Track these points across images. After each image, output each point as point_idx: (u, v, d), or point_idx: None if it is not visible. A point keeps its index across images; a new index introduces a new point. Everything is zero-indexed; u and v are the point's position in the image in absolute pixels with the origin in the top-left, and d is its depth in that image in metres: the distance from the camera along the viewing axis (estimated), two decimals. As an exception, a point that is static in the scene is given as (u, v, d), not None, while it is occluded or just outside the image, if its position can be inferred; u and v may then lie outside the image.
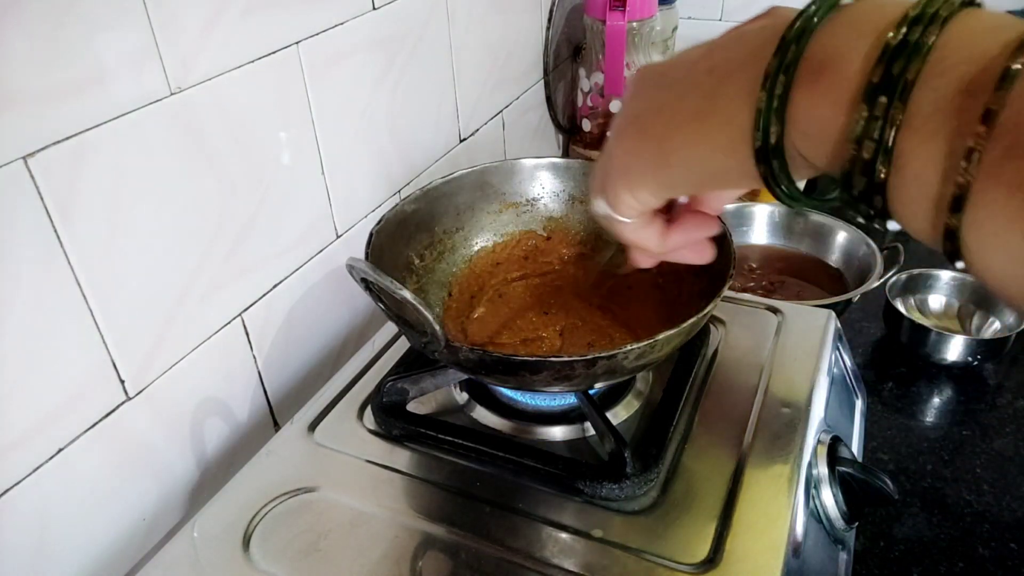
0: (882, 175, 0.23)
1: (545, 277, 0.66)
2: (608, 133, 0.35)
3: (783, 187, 0.27)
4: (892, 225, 0.25)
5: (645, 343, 0.45)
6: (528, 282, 0.66)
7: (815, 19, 0.24)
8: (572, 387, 0.51)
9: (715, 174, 0.30)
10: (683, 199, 0.39)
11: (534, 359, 0.45)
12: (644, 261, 0.41)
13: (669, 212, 0.38)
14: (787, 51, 0.24)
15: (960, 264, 0.23)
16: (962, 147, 0.20)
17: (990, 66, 0.20)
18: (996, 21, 0.22)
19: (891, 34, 0.22)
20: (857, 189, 0.24)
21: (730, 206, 1.00)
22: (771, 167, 0.26)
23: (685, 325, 0.46)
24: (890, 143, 0.22)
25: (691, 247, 0.39)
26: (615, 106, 1.07)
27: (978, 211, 0.21)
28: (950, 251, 0.22)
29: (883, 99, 0.22)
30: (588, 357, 0.44)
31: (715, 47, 0.29)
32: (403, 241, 0.60)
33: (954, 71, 0.21)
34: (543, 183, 0.67)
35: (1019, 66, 0.20)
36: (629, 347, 0.44)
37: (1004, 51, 0.20)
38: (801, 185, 0.28)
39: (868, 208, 0.24)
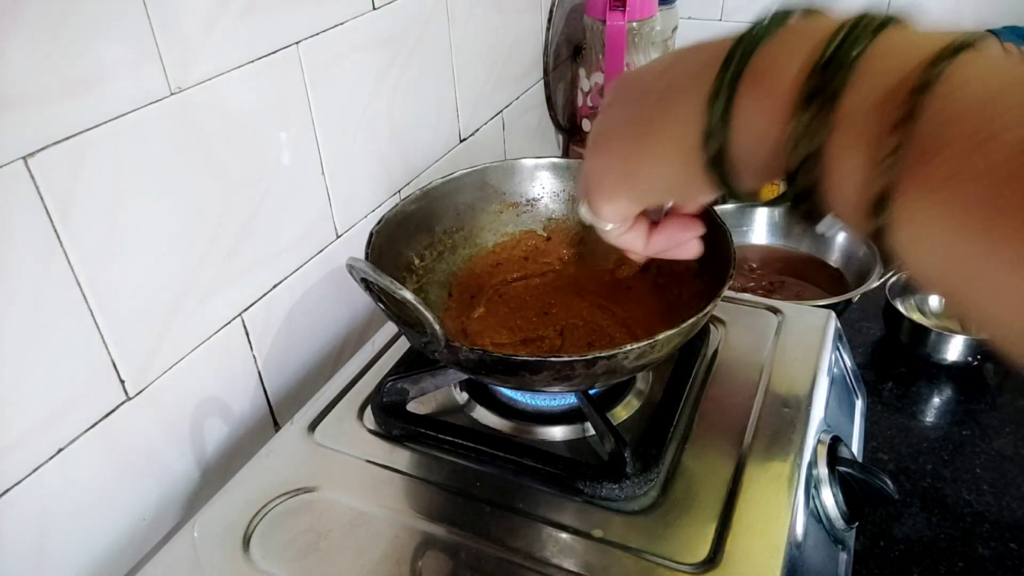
0: (814, 176, 0.25)
1: (545, 277, 0.66)
2: (587, 143, 0.37)
3: (734, 195, 0.29)
4: (826, 225, 0.27)
5: (645, 343, 0.45)
6: (528, 282, 0.66)
7: (760, 35, 0.26)
8: (572, 387, 0.51)
9: (677, 185, 0.32)
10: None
11: (534, 359, 0.45)
12: (637, 260, 0.43)
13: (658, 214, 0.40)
14: (730, 64, 0.26)
15: (895, 263, 0.24)
16: (883, 151, 0.22)
17: (908, 77, 0.22)
18: (918, 37, 0.23)
19: (823, 48, 0.24)
20: (797, 190, 0.26)
21: (730, 206, 1.00)
22: (721, 176, 0.28)
23: (685, 325, 0.46)
24: (821, 148, 0.24)
25: (678, 246, 0.41)
26: (615, 106, 1.07)
27: (902, 211, 0.22)
28: (882, 250, 0.24)
29: (814, 107, 0.24)
30: (588, 357, 0.44)
31: (676, 59, 0.31)
32: (403, 241, 0.60)
33: (876, 81, 0.23)
34: (543, 183, 0.67)
35: (930, 79, 0.21)
36: (629, 347, 0.44)
37: (921, 64, 0.22)
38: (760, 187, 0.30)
39: (808, 208, 0.26)
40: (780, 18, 0.26)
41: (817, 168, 0.24)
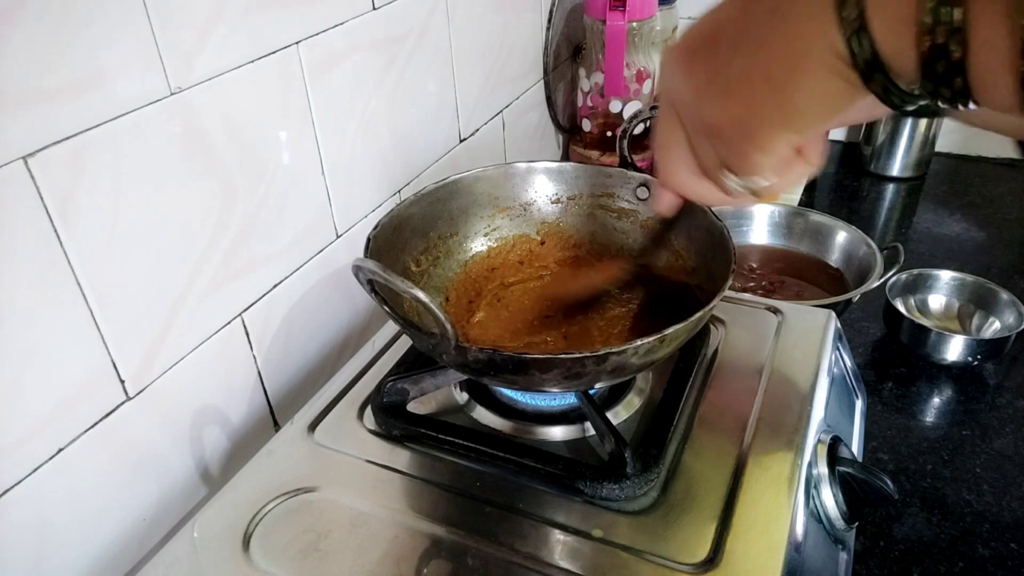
0: (956, 54, 0.25)
1: (541, 280, 0.66)
2: (660, 121, 0.34)
3: (895, 94, 0.28)
4: (971, 109, 0.27)
5: (653, 338, 0.45)
6: (525, 286, 0.66)
7: None
8: (580, 386, 0.51)
9: (839, 96, 0.29)
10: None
11: (544, 357, 0.45)
12: (673, 207, 0.43)
13: None
14: None
15: None
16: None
17: None
18: None
19: None
20: (939, 73, 0.26)
21: (729, 207, 1.00)
22: (880, 72, 0.27)
23: (691, 320, 0.46)
24: (958, 22, 0.24)
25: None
26: (615, 106, 1.07)
27: None
28: None
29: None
30: (599, 353, 0.44)
31: (749, 6, 0.30)
32: (399, 246, 0.60)
33: None
34: (536, 187, 0.67)
35: None
36: (639, 342, 0.45)
37: None
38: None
39: (950, 92, 0.26)
40: None
41: (956, 44, 0.25)
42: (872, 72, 0.27)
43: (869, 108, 0.33)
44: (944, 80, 0.26)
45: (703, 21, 0.32)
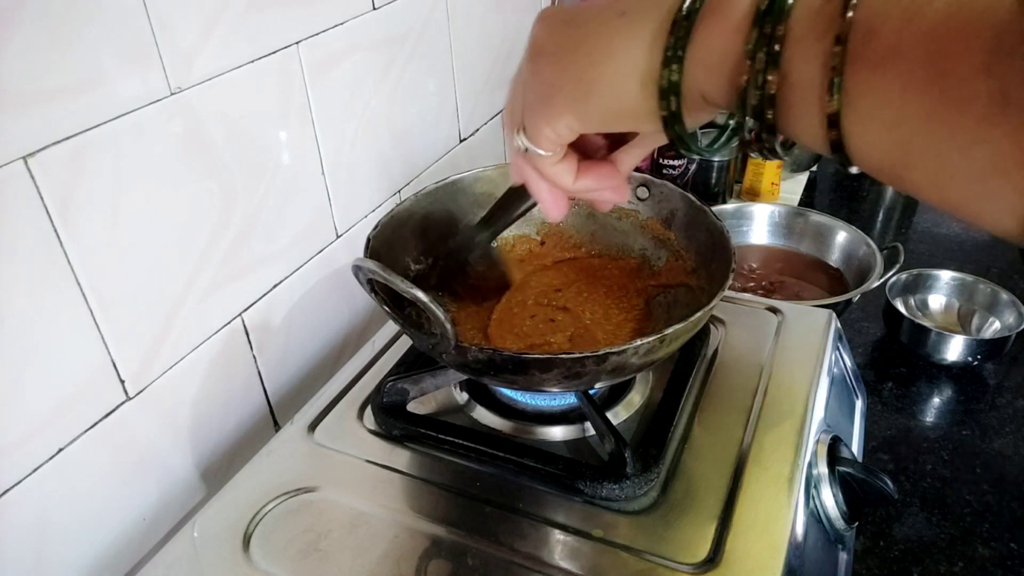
0: (772, 86, 0.27)
1: (542, 281, 0.66)
2: (519, 68, 0.36)
3: (677, 128, 0.31)
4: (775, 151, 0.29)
5: (654, 338, 0.45)
6: (525, 287, 0.66)
7: None
8: (580, 385, 0.51)
9: (626, 111, 0.32)
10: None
11: (544, 356, 0.45)
12: (556, 210, 0.42)
13: (586, 158, 0.39)
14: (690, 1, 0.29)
15: (852, 168, 0.27)
16: (831, 40, 0.25)
17: None
18: None
19: None
20: (751, 105, 0.28)
21: (730, 206, 1.00)
22: (673, 104, 0.30)
23: (691, 320, 0.46)
24: (776, 52, 0.26)
25: (604, 190, 0.40)
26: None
27: (851, 91, 0.25)
28: (835, 142, 0.26)
29: (769, 20, 0.26)
30: (599, 353, 0.44)
31: (617, 2, 0.32)
32: (399, 247, 0.60)
33: None
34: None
35: None
36: (639, 342, 0.45)
37: None
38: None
39: (761, 125, 0.28)
40: None
41: (773, 73, 0.27)
42: (667, 97, 0.30)
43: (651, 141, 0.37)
44: (756, 113, 0.28)
45: (579, 6, 0.34)
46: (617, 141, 0.41)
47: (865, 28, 0.24)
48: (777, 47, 0.26)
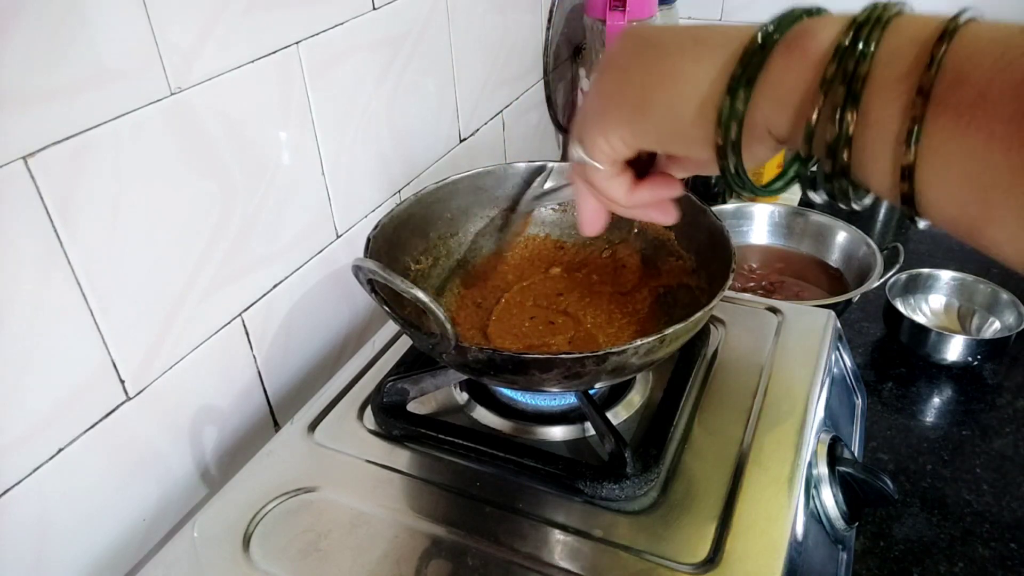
0: (850, 126, 0.26)
1: (543, 282, 0.66)
2: (589, 79, 0.36)
3: (732, 159, 0.30)
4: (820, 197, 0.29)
5: (654, 338, 0.45)
6: (526, 287, 0.66)
7: (793, 17, 0.29)
8: (580, 385, 0.51)
9: (682, 134, 0.32)
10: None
11: (544, 357, 0.45)
12: (591, 226, 0.42)
13: (641, 174, 0.39)
14: (766, 34, 0.29)
15: (921, 222, 0.26)
16: (914, 86, 0.24)
17: (935, 25, 0.25)
18: (927, 16, 0.26)
19: (857, 16, 0.27)
20: (824, 143, 0.27)
21: (730, 206, 1.00)
22: (730, 133, 0.29)
23: (691, 320, 0.46)
24: (857, 91, 0.26)
25: (656, 206, 0.40)
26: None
27: (931, 139, 0.24)
28: (906, 195, 0.25)
29: (851, 58, 0.26)
30: (599, 353, 0.44)
31: (702, 27, 0.32)
32: (399, 247, 0.60)
33: (906, 32, 0.25)
34: (536, 187, 0.67)
35: (951, 29, 0.24)
36: (639, 342, 0.45)
37: (943, 20, 0.25)
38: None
39: (833, 166, 0.27)
40: (803, 12, 0.29)
41: (851, 111, 0.26)
42: (727, 125, 0.29)
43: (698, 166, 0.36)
44: (829, 152, 0.27)
45: (666, 26, 0.34)
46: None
47: (953, 75, 0.23)
48: (858, 86, 0.26)
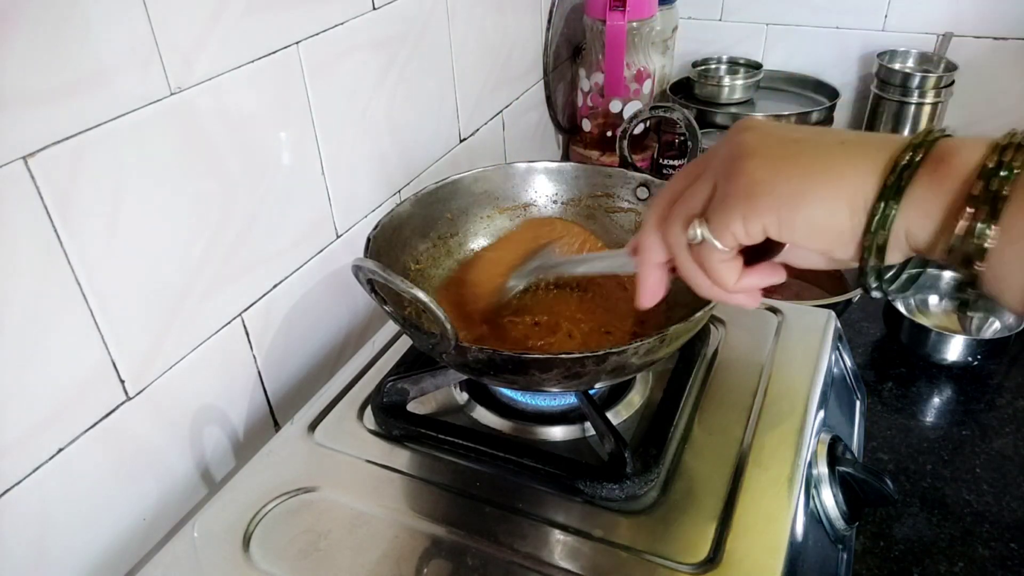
0: (989, 239, 0.28)
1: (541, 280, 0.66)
2: (702, 163, 0.37)
3: (873, 259, 0.32)
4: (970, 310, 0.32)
5: (654, 337, 0.45)
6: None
7: (933, 137, 0.31)
8: (580, 385, 0.51)
9: (828, 230, 0.33)
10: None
11: (544, 356, 0.45)
12: (655, 298, 0.41)
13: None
14: (917, 146, 0.31)
15: None
16: None
17: None
18: None
19: (999, 140, 0.29)
20: (961, 253, 0.29)
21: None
22: (876, 237, 0.31)
23: (691, 320, 0.46)
24: (1000, 208, 0.28)
25: (753, 292, 0.40)
26: (615, 106, 1.07)
27: None
28: None
29: (995, 178, 0.28)
30: (599, 353, 0.44)
31: (836, 130, 0.35)
32: (399, 246, 0.60)
33: None
34: (536, 187, 0.67)
35: None
36: (639, 342, 0.45)
37: None
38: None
39: (968, 274, 0.30)
40: (939, 132, 0.32)
41: (991, 226, 0.28)
42: (876, 229, 0.31)
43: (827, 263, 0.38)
44: (964, 261, 0.29)
45: (787, 124, 0.36)
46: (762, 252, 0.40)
47: None
48: (1000, 204, 0.28)
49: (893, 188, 0.31)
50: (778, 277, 0.39)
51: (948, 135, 0.32)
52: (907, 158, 0.31)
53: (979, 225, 0.28)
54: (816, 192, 0.33)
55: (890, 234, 0.31)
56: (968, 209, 0.29)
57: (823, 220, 0.33)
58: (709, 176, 0.36)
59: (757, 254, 0.38)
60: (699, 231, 0.36)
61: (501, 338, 0.58)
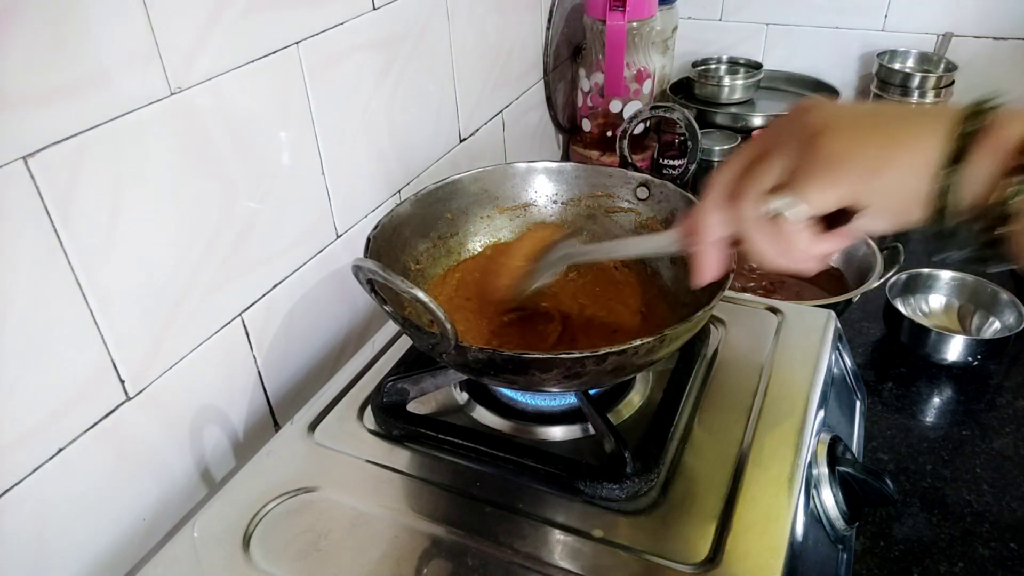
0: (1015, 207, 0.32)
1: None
2: (784, 138, 0.39)
3: (946, 220, 0.34)
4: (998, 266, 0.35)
5: (654, 337, 0.45)
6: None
7: (985, 106, 0.34)
8: (580, 386, 0.51)
9: (906, 195, 0.35)
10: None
11: (544, 357, 0.45)
12: (713, 274, 0.44)
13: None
14: (975, 115, 0.34)
15: None
16: None
17: None
18: None
19: None
20: (1004, 212, 0.32)
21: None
22: (946, 202, 0.34)
23: (691, 320, 0.46)
24: None
25: (822, 258, 0.42)
26: (615, 106, 1.07)
27: None
28: None
29: None
30: (598, 353, 0.44)
31: (891, 105, 0.38)
32: (399, 246, 0.60)
33: None
34: (536, 187, 0.67)
35: None
36: (639, 342, 0.45)
37: None
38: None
39: (991, 237, 0.33)
40: (991, 101, 0.34)
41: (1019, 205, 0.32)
42: (945, 194, 0.34)
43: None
44: (992, 225, 0.33)
45: (857, 103, 0.38)
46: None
47: None
48: None
49: (957, 153, 0.33)
50: (848, 241, 0.41)
51: (1001, 104, 0.34)
52: (968, 127, 0.33)
53: (1016, 192, 0.31)
54: (896, 159, 0.35)
55: (955, 196, 0.34)
56: (1015, 177, 0.32)
57: (902, 185, 0.35)
58: (781, 153, 0.38)
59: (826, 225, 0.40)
60: (781, 201, 0.38)
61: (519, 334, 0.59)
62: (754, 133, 0.41)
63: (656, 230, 0.64)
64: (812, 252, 0.40)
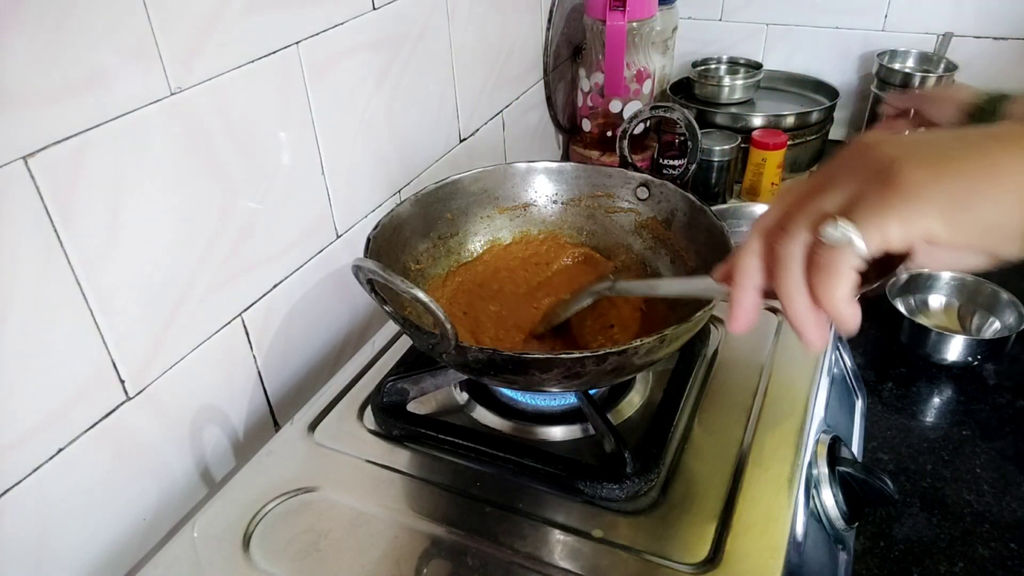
0: None
1: (543, 280, 0.66)
2: (849, 171, 0.35)
3: None
4: None
5: (654, 337, 0.45)
6: (527, 286, 0.66)
7: None
8: (580, 386, 0.51)
9: (1000, 227, 0.32)
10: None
11: (544, 356, 0.45)
12: (750, 322, 0.38)
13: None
14: None
15: None
16: None
17: None
18: None
19: None
20: None
21: (729, 206, 1.00)
22: None
23: (691, 320, 0.46)
24: None
25: (845, 317, 0.36)
26: (615, 106, 1.07)
27: None
28: None
29: None
30: (598, 353, 0.44)
31: (968, 129, 0.34)
32: (399, 246, 0.60)
33: None
34: (537, 187, 0.67)
35: None
36: (639, 342, 0.45)
37: None
38: None
39: None
40: None
41: None
42: None
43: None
44: None
45: (925, 131, 0.36)
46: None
47: None
48: None
49: None
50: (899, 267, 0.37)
51: None
52: None
53: None
54: (987, 190, 0.32)
55: None
56: None
57: (995, 217, 0.32)
58: (845, 184, 0.34)
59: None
60: (841, 230, 0.33)
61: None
62: (808, 175, 0.36)
63: (656, 230, 0.64)
64: (844, 304, 0.34)
